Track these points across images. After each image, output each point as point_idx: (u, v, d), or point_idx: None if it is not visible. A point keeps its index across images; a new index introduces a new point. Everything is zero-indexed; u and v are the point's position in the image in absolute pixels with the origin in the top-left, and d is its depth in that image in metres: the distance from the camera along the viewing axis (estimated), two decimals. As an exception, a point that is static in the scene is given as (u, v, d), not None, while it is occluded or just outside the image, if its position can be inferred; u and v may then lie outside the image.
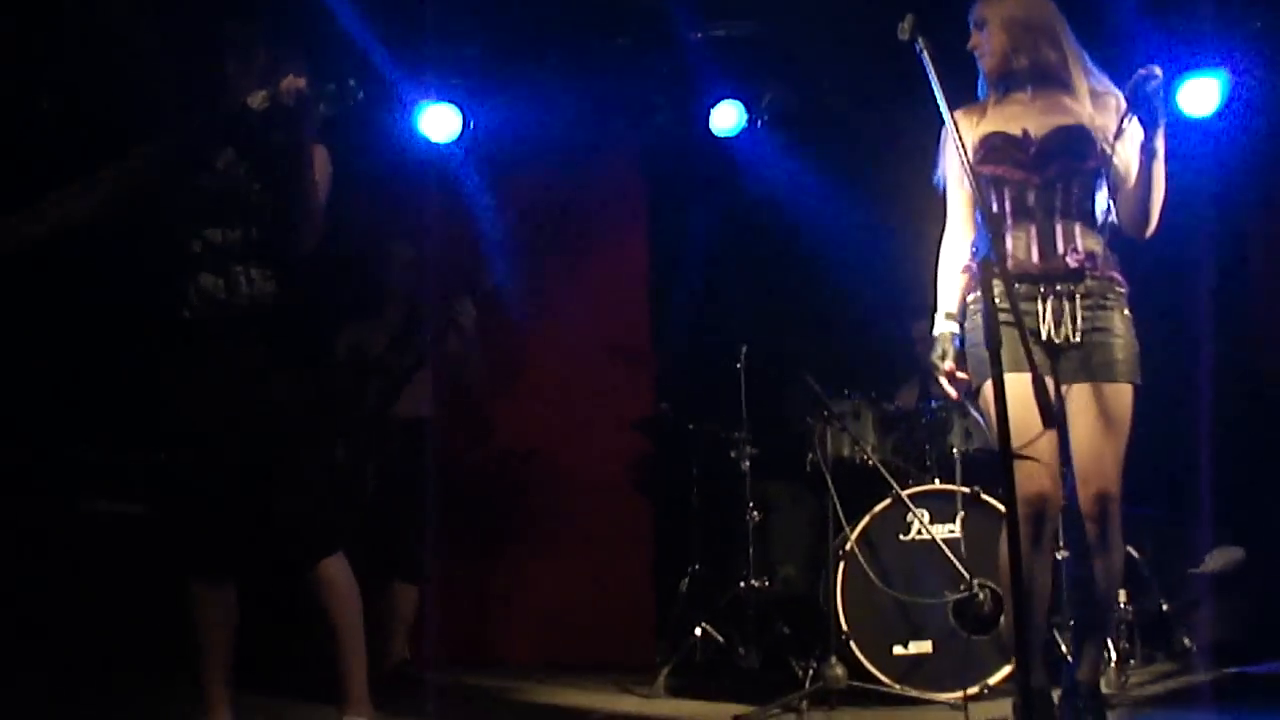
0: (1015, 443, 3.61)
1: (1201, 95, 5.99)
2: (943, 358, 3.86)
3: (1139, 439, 5.61)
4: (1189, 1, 5.68)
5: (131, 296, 4.10)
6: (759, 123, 6.35)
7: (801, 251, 6.18)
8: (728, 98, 6.28)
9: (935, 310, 3.95)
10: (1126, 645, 5.40)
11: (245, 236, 3.74)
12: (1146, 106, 3.63)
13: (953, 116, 3.39)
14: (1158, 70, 3.60)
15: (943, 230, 3.99)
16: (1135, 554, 5.63)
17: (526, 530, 6.40)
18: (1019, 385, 3.62)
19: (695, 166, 6.53)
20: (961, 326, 3.89)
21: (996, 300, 3.58)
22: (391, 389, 5.34)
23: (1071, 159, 3.80)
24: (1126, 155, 3.78)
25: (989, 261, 3.31)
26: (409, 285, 5.65)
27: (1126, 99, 3.68)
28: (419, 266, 5.67)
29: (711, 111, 6.30)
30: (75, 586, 5.33)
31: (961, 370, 3.86)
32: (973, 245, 3.70)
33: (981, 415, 4.71)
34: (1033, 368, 3.30)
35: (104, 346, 5.40)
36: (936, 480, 5.30)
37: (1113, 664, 5.13)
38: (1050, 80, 3.89)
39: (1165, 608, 5.61)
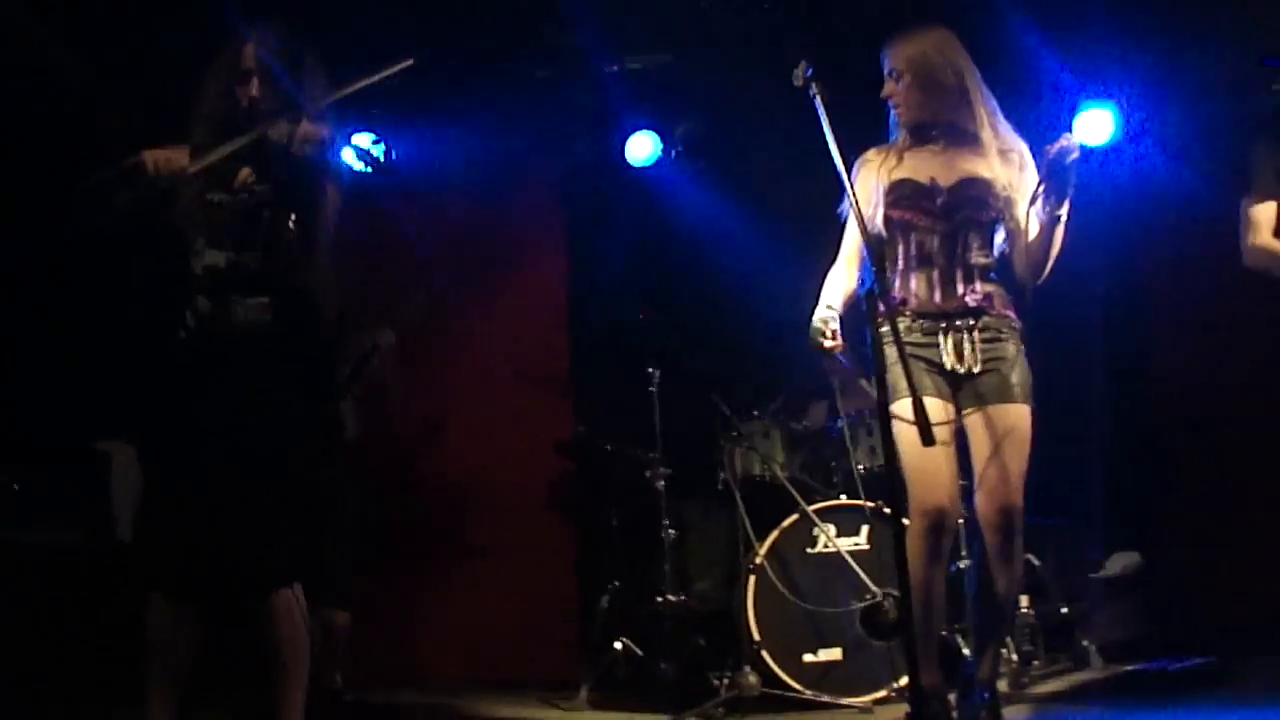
0: (915, 461, 3.88)
1: (1096, 125, 6.27)
2: (823, 335, 4.03)
3: (1040, 453, 5.90)
4: (1086, 36, 5.91)
5: (133, 313, 4.12)
6: (673, 153, 6.55)
7: (714, 277, 6.36)
8: (643, 129, 6.48)
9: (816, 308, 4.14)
10: (1029, 647, 5.62)
11: (249, 262, 3.68)
12: (1060, 179, 3.86)
13: (845, 157, 3.59)
14: (1076, 141, 3.83)
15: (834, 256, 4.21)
16: (1036, 561, 5.88)
17: (450, 551, 6.53)
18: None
19: (612, 195, 6.71)
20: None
21: (902, 336, 3.86)
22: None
23: (975, 209, 4.05)
24: (1027, 211, 4.02)
25: (873, 293, 3.54)
26: (333, 313, 5.74)
27: (1042, 168, 3.89)
28: (341, 294, 5.77)
29: (627, 142, 6.49)
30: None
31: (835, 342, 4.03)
32: (859, 278, 3.92)
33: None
34: (913, 391, 3.52)
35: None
36: (843, 496, 5.52)
37: (1014, 664, 5.38)
38: (960, 134, 4.11)
39: (1065, 611, 5.86)
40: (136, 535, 3.97)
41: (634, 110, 6.44)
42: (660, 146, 6.50)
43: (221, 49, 3.79)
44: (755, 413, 5.81)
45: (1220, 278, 4.92)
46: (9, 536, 5.28)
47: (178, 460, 3.69)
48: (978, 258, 4.07)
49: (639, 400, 5.84)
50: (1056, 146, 3.81)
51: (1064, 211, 3.92)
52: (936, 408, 3.94)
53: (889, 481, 3.59)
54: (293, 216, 3.70)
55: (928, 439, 3.49)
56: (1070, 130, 6.13)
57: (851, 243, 4.18)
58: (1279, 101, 5.30)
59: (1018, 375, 4.05)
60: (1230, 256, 4.72)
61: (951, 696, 4.16)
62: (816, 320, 4.08)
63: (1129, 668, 5.56)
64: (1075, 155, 3.82)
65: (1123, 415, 6.70)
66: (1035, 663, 5.60)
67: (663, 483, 5.78)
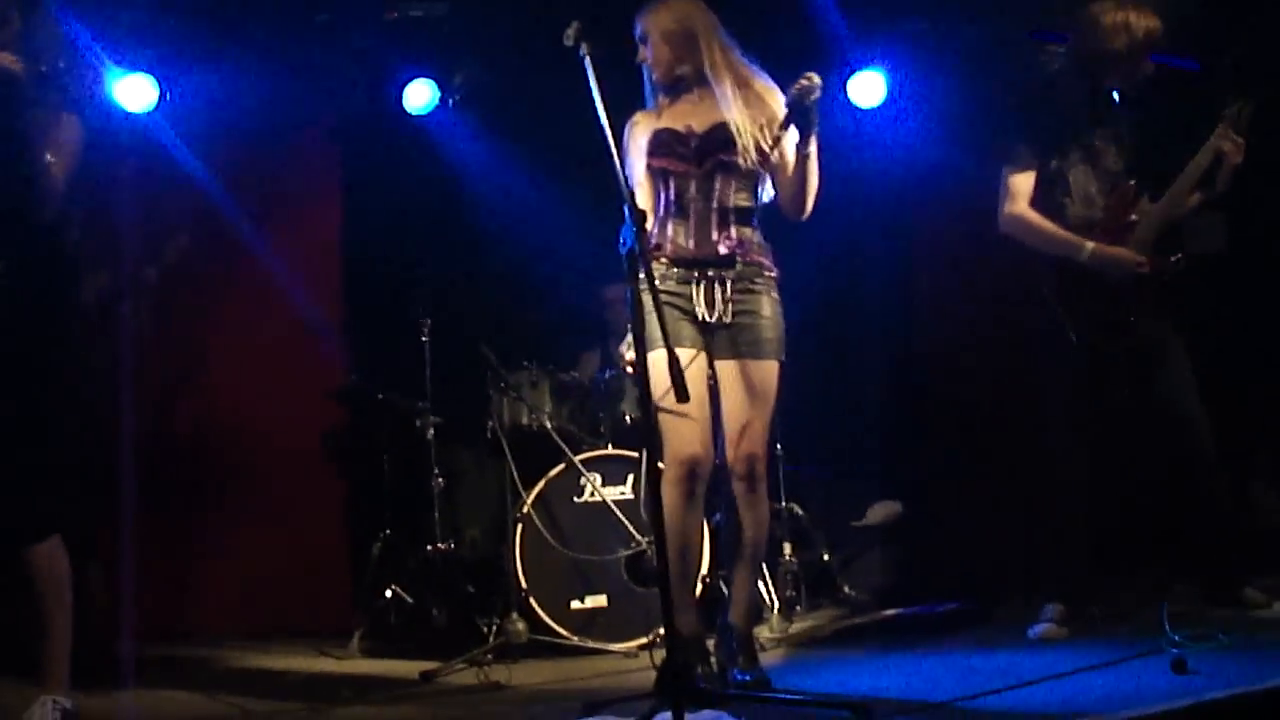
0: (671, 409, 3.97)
1: (868, 88, 6.45)
2: (628, 348, 4.17)
3: (810, 405, 6.08)
4: (858, 3, 6.07)
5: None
6: (450, 101, 6.51)
7: (489, 227, 6.39)
8: (420, 76, 6.42)
9: None
10: (792, 593, 5.84)
11: None
12: (803, 116, 4.01)
13: (613, 119, 3.65)
14: (817, 80, 3.94)
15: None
16: (800, 510, 6.07)
17: (221, 501, 6.43)
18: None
19: (389, 143, 6.62)
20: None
21: (657, 284, 3.99)
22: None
23: (727, 152, 4.15)
24: (784, 150, 4.15)
25: (632, 252, 3.62)
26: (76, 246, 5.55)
27: (787, 106, 4.02)
28: (86, 233, 5.57)
29: (404, 90, 6.42)
30: None
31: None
32: (621, 237, 3.99)
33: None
34: (667, 345, 3.61)
35: None
36: (610, 446, 5.61)
37: (775, 610, 5.55)
38: (710, 84, 4.22)
39: (827, 558, 6.06)
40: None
41: (412, 58, 6.39)
42: (438, 94, 6.44)
43: None
44: (525, 363, 5.85)
45: (982, 243, 5.11)
46: None
47: None
48: (735, 201, 4.18)
49: (411, 349, 5.82)
50: (798, 85, 3.94)
51: (813, 149, 4.07)
52: (688, 357, 4.04)
53: (643, 432, 3.67)
54: (14, 155, 3.70)
55: (682, 395, 3.58)
56: (845, 93, 6.36)
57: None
58: (1044, 74, 5.49)
59: (770, 329, 4.18)
60: (991, 222, 4.90)
61: (711, 642, 4.29)
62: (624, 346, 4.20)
63: (888, 613, 5.75)
64: (816, 95, 3.94)
65: (888, 369, 6.95)
66: (798, 608, 5.79)
67: (432, 431, 5.79)
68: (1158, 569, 5.18)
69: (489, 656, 5.10)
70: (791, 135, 4.10)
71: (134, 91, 5.97)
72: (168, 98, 6.05)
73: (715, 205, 4.16)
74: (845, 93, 6.42)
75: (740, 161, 4.14)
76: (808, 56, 6.29)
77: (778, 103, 4.18)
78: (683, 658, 4.13)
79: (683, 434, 4.07)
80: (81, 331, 4.16)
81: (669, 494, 4.07)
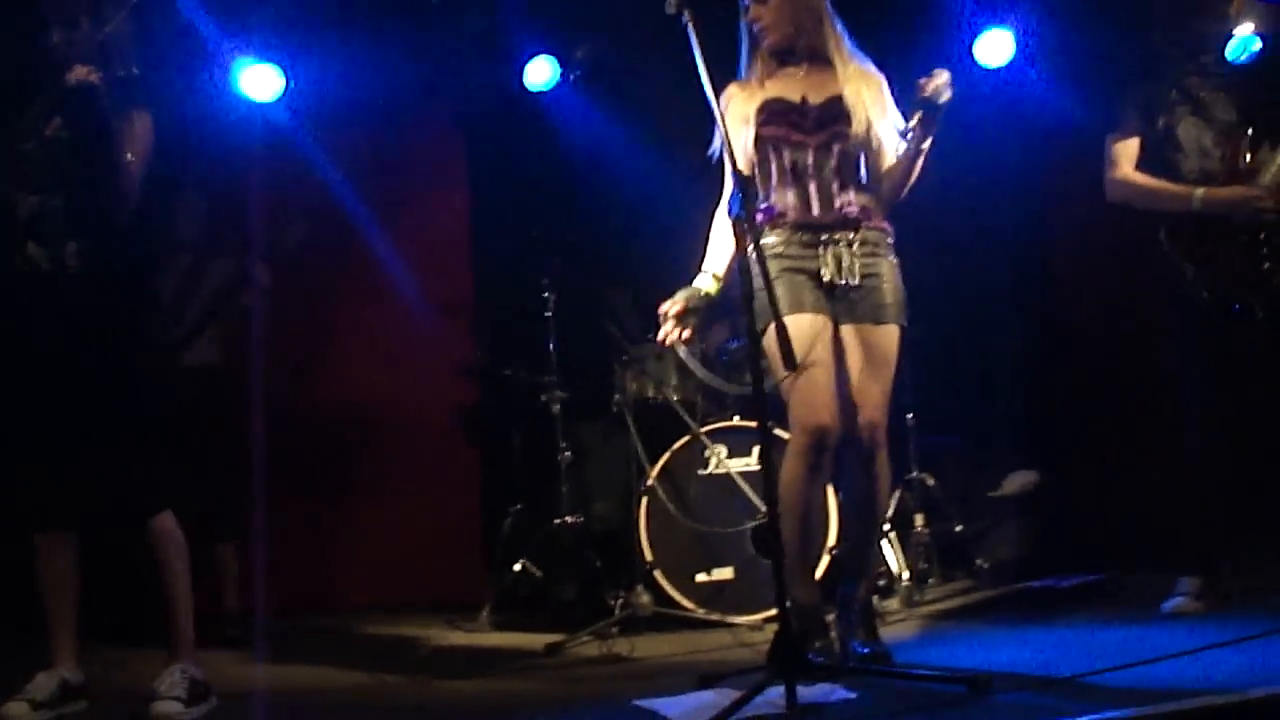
0: (796, 379, 3.94)
1: (996, 47, 6.31)
2: (678, 301, 4.13)
3: (942, 373, 5.99)
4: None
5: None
6: (571, 77, 6.52)
7: (612, 201, 6.36)
8: (541, 53, 6.43)
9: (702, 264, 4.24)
10: (924, 565, 5.76)
11: (65, 205, 3.92)
12: (930, 117, 3.94)
13: (714, 88, 3.66)
14: (947, 78, 3.88)
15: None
16: (933, 481, 5.98)
17: (357, 478, 6.58)
18: (802, 322, 3.96)
19: (512, 121, 6.67)
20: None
21: (781, 251, 4.05)
22: (181, 338, 5.44)
23: (844, 125, 4.12)
24: (891, 136, 4.13)
25: (740, 220, 3.61)
26: (196, 237, 5.65)
27: (920, 105, 3.93)
28: (212, 220, 5.71)
29: (525, 67, 6.45)
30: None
31: (690, 320, 4.16)
32: (728, 206, 3.94)
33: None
34: (775, 315, 3.59)
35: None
36: (736, 417, 5.58)
37: (906, 582, 5.48)
38: (820, 57, 4.20)
39: (960, 530, 5.95)
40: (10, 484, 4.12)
41: (532, 35, 6.40)
42: (558, 71, 6.45)
43: None
44: (649, 336, 5.83)
45: (1115, 205, 4.94)
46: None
47: (24, 407, 3.95)
48: (850, 171, 4.14)
49: (537, 325, 5.87)
50: (932, 85, 3.89)
51: (926, 147, 4.02)
52: (815, 324, 4.03)
53: (756, 402, 3.66)
54: (100, 157, 3.86)
55: (790, 364, 3.58)
56: (971, 54, 6.23)
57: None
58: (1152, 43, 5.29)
59: (891, 294, 4.14)
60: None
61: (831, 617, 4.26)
62: (689, 287, 4.16)
63: (1020, 585, 5.66)
64: (949, 95, 3.88)
65: (1027, 339, 6.79)
66: (931, 581, 5.72)
67: (558, 406, 5.83)
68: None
69: (614, 629, 5.14)
70: (899, 123, 4.09)
71: (260, 81, 6.11)
72: (293, 86, 6.16)
73: (834, 175, 4.12)
74: (970, 54, 6.30)
75: (854, 136, 4.11)
76: (932, 17, 6.29)
77: (878, 86, 4.19)
78: (798, 630, 4.13)
79: (810, 403, 4.02)
80: (158, 317, 4.29)
81: (793, 464, 4.05)
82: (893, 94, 4.23)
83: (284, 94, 6.16)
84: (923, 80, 3.92)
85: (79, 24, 3.91)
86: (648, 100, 6.46)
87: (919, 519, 5.85)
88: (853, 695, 3.61)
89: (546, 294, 5.84)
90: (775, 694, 3.41)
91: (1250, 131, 4.56)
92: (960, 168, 6.27)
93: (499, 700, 4.22)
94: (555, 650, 4.96)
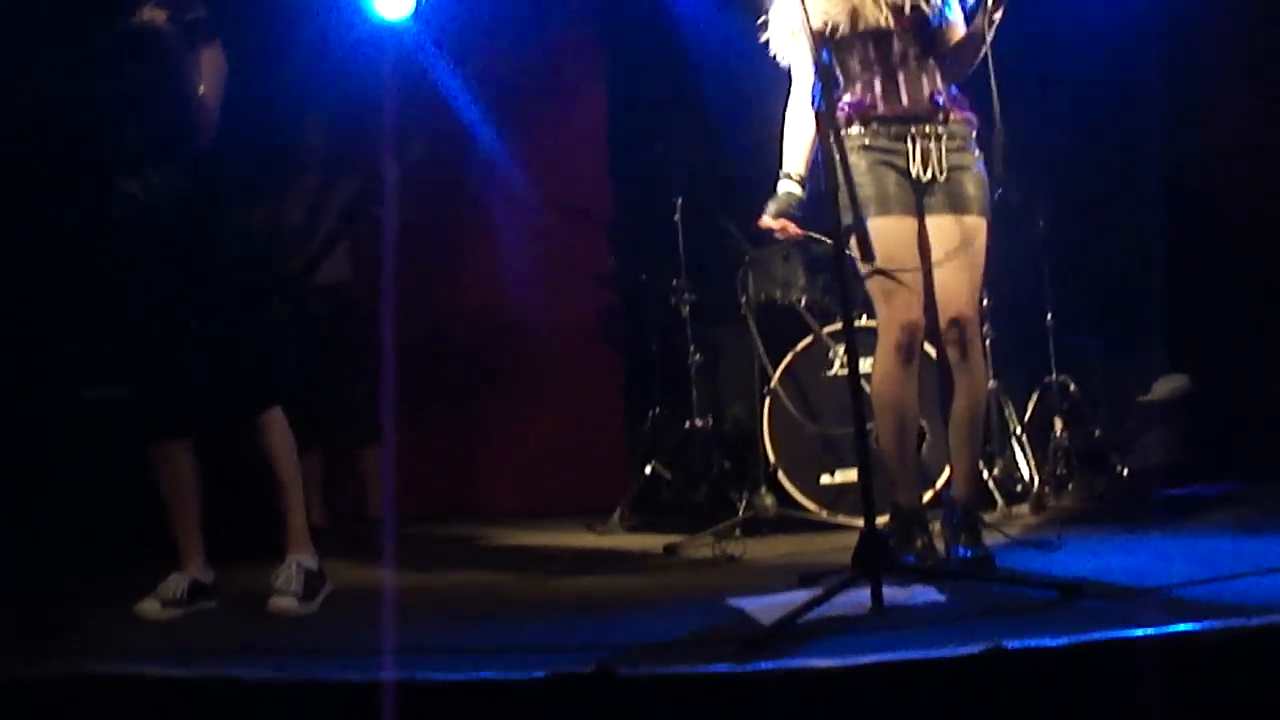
0: (884, 277, 3.91)
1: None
2: (773, 215, 4.16)
3: (1084, 271, 5.81)
4: None
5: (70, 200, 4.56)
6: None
7: (745, 106, 6.28)
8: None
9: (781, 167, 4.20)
10: (1063, 470, 5.64)
11: (150, 138, 4.10)
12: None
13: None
14: None
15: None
16: (1074, 385, 5.83)
17: (497, 386, 6.72)
18: (889, 224, 3.91)
19: (651, 30, 6.60)
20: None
21: (868, 143, 3.97)
22: (313, 255, 5.62)
23: (925, 8, 3.99)
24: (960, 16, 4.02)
25: (820, 112, 3.55)
26: (324, 153, 5.83)
27: None
28: (340, 135, 5.85)
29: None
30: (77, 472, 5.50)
31: (789, 225, 4.18)
32: (811, 96, 3.87)
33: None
34: (855, 212, 3.58)
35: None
36: (864, 317, 5.50)
37: (1036, 487, 5.38)
38: None
39: (1099, 435, 5.80)
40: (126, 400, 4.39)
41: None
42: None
43: None
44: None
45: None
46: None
47: (141, 319, 4.16)
48: (936, 57, 4.03)
49: (669, 230, 5.88)
50: None
51: (999, 16, 3.83)
52: (901, 226, 3.97)
53: (841, 302, 3.64)
54: (171, 94, 4.04)
55: (868, 255, 3.54)
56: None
57: (807, 68, 4.08)
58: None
59: (974, 186, 4.03)
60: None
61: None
62: (777, 193, 4.17)
63: (1162, 492, 5.49)
64: None
65: (1176, 236, 6.51)
66: (1069, 487, 5.60)
67: (687, 310, 5.85)
68: None
69: (736, 531, 5.17)
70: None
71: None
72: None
73: (920, 61, 4.01)
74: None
75: (932, 12, 3.99)
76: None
77: None
78: (899, 531, 4.12)
79: (903, 299, 3.98)
80: (239, 241, 4.42)
81: (884, 362, 4.03)
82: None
83: (416, 9, 6.19)
84: None
85: None
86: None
87: (1058, 423, 5.72)
88: (941, 598, 3.58)
89: (674, 197, 5.84)
90: (864, 595, 3.42)
91: None
92: (1102, 43, 6.06)
93: (601, 597, 4.27)
94: (672, 551, 5.02)
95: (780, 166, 4.20)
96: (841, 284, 3.63)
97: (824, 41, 3.91)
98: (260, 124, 4.88)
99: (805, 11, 3.67)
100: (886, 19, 3.99)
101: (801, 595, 3.64)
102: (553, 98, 6.76)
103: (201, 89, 4.05)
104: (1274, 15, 5.70)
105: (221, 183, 4.18)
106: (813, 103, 3.62)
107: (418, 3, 6.11)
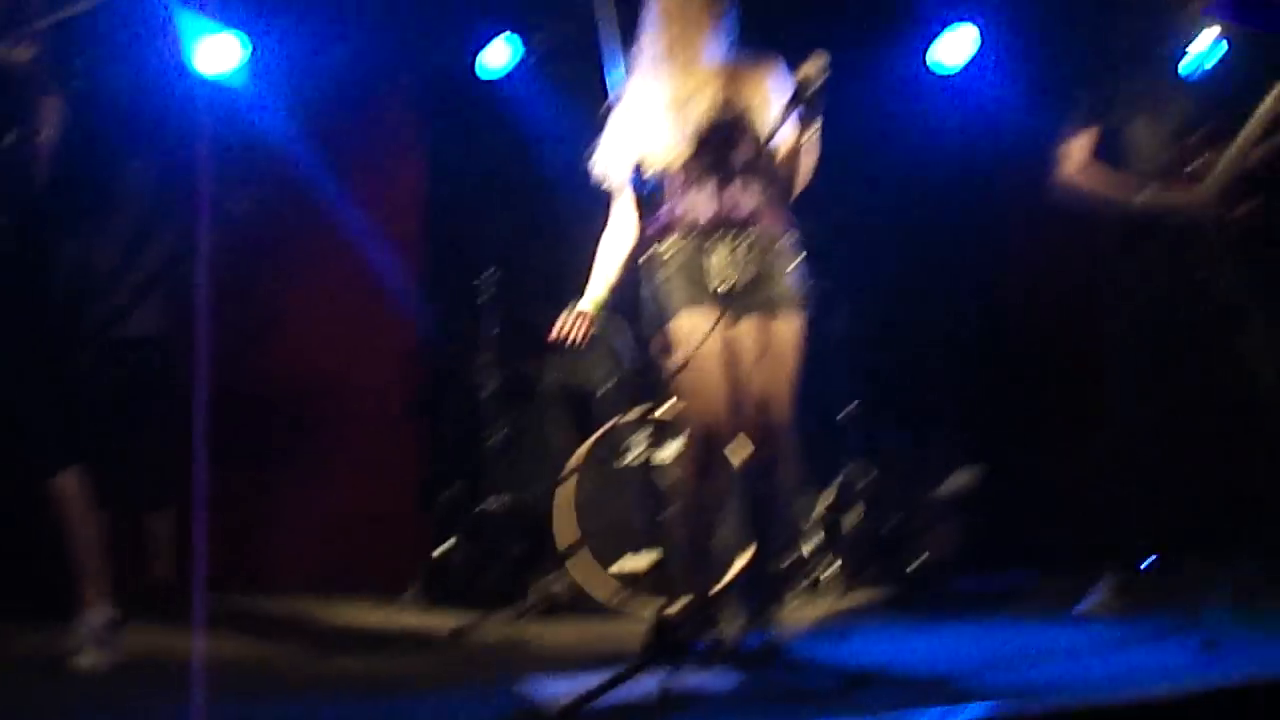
0: (688, 375, 3.97)
1: (957, 46, 6.28)
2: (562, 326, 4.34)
3: (890, 369, 5.95)
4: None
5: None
6: (528, 61, 6.47)
7: (560, 186, 6.33)
8: (498, 35, 6.39)
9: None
10: (858, 561, 5.74)
11: None
12: (805, 106, 3.89)
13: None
14: (819, 71, 3.83)
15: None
16: (868, 476, 5.94)
17: (297, 453, 6.52)
18: (693, 324, 3.97)
19: (469, 103, 6.66)
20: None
21: (675, 253, 4.12)
22: (119, 307, 5.46)
23: (736, 126, 4.09)
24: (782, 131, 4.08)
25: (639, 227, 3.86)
26: (141, 204, 5.69)
27: (793, 94, 3.90)
28: (159, 188, 5.71)
29: (483, 50, 6.40)
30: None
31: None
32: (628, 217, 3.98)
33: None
34: (665, 320, 3.83)
35: None
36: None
37: (828, 578, 5.47)
38: (711, 54, 4.14)
39: (892, 527, 5.91)
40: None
41: (489, 18, 6.39)
42: (517, 53, 6.41)
43: None
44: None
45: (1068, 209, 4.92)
46: None
47: None
48: (743, 170, 4.10)
49: (479, 308, 5.88)
50: (803, 72, 3.85)
51: (810, 139, 3.99)
52: (707, 322, 3.98)
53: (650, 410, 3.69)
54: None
55: (671, 353, 3.69)
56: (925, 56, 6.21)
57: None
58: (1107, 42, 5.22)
59: (784, 289, 4.10)
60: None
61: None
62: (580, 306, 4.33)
63: (952, 583, 5.67)
64: (819, 83, 3.83)
65: (975, 338, 6.75)
66: (852, 578, 5.70)
67: (491, 389, 5.84)
68: (1226, 546, 4.96)
69: (528, 615, 5.17)
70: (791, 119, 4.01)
71: (219, 52, 6.01)
72: (254, 54, 6.04)
73: (727, 174, 4.09)
74: (924, 57, 6.35)
75: (747, 134, 4.10)
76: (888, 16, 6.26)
77: (770, 76, 4.14)
78: (690, 619, 4.10)
79: (700, 398, 4.03)
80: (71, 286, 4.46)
81: (685, 455, 4.08)
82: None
83: (243, 65, 6.07)
84: (800, 66, 3.87)
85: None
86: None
87: (850, 515, 5.82)
88: (731, 685, 3.61)
89: (490, 276, 5.85)
90: (653, 682, 3.42)
91: (1198, 136, 4.53)
92: (909, 167, 6.31)
93: (391, 679, 4.20)
94: (460, 633, 4.95)
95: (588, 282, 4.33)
96: (641, 377, 3.69)
97: (640, 170, 4.12)
98: (78, 167, 4.74)
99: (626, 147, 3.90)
100: (692, 143, 4.08)
101: (591, 681, 3.62)
102: (371, 164, 6.64)
103: (40, 137, 4.05)
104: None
105: (48, 227, 4.17)
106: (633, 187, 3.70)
107: (246, 56, 6.01)
